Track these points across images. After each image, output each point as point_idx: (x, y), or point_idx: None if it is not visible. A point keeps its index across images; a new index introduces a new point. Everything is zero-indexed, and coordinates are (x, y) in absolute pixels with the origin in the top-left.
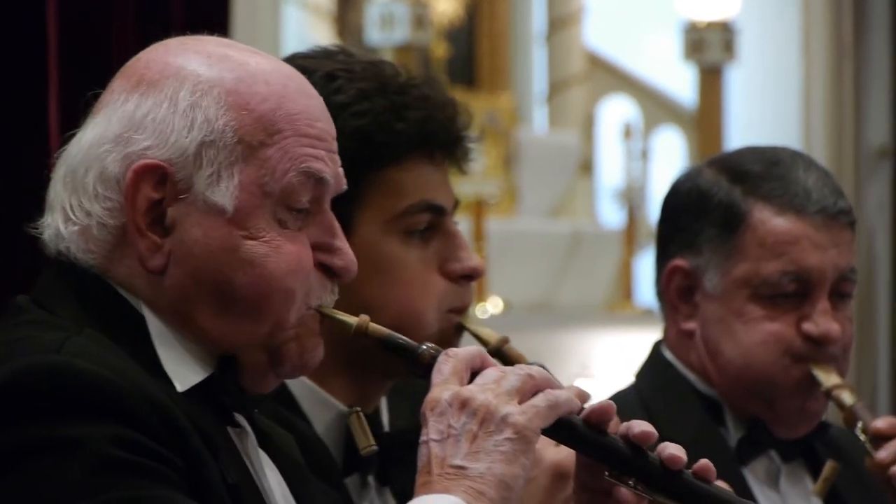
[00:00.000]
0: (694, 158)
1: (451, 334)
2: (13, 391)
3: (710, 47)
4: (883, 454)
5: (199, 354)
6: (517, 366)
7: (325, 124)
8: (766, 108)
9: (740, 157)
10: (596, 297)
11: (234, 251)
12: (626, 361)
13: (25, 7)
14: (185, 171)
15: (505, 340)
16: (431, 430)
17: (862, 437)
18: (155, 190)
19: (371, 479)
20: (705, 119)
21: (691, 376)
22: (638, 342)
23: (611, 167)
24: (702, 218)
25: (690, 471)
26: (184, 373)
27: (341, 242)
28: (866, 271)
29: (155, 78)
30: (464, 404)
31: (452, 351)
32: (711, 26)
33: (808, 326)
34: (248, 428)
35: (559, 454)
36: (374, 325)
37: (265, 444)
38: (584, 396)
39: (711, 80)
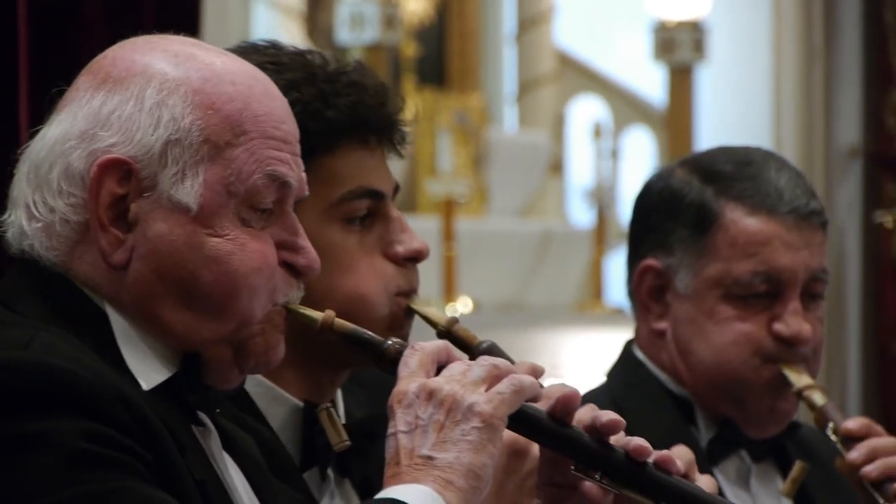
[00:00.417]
0: (664, 158)
1: (401, 318)
2: None
3: (680, 47)
4: (854, 454)
5: (162, 353)
6: (481, 357)
7: (290, 126)
8: (736, 108)
9: (712, 157)
10: (566, 296)
11: (199, 248)
12: (596, 361)
13: None
14: (150, 169)
15: (454, 321)
16: (399, 422)
17: (833, 438)
18: (119, 185)
19: (330, 471)
20: (675, 119)
21: (662, 376)
22: (608, 342)
23: (581, 167)
24: (674, 218)
25: (652, 461)
26: (148, 372)
27: (304, 241)
28: (836, 271)
29: (121, 75)
30: (430, 395)
31: (419, 345)
32: (681, 26)
33: (779, 327)
34: (212, 427)
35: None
36: (339, 321)
37: (227, 443)
38: (538, 371)
39: (681, 79)
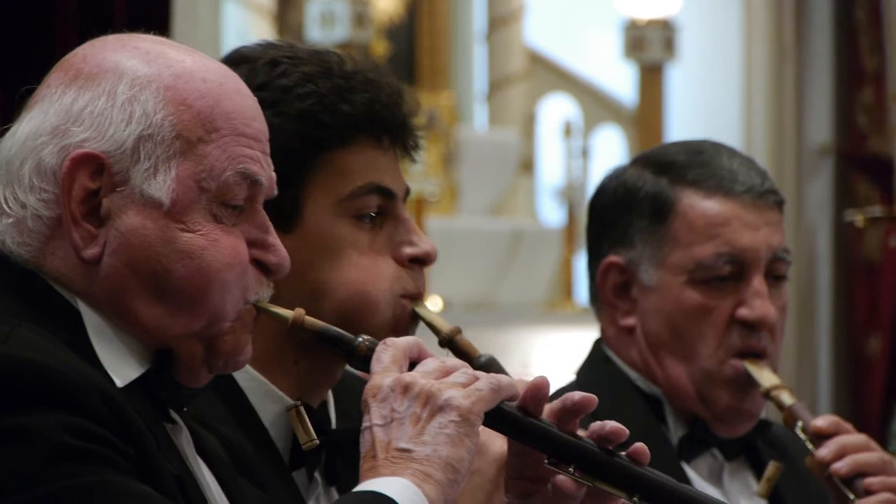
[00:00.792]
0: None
1: (405, 321)
2: None
3: (650, 45)
4: (824, 452)
5: (135, 349)
6: (460, 371)
7: (260, 124)
8: (706, 107)
9: (663, 150)
10: (536, 295)
11: (172, 243)
12: (566, 359)
13: None
14: (123, 164)
15: (457, 331)
16: (374, 416)
17: (802, 436)
18: (91, 180)
19: (318, 475)
20: (645, 117)
21: (632, 373)
22: (578, 340)
23: (551, 165)
24: (630, 211)
25: (625, 454)
26: (121, 368)
27: (274, 239)
28: (808, 270)
29: (93, 72)
30: (406, 389)
31: (390, 340)
32: (652, 24)
33: (743, 312)
34: (182, 424)
35: (505, 446)
36: (309, 319)
37: (195, 441)
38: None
39: (652, 78)
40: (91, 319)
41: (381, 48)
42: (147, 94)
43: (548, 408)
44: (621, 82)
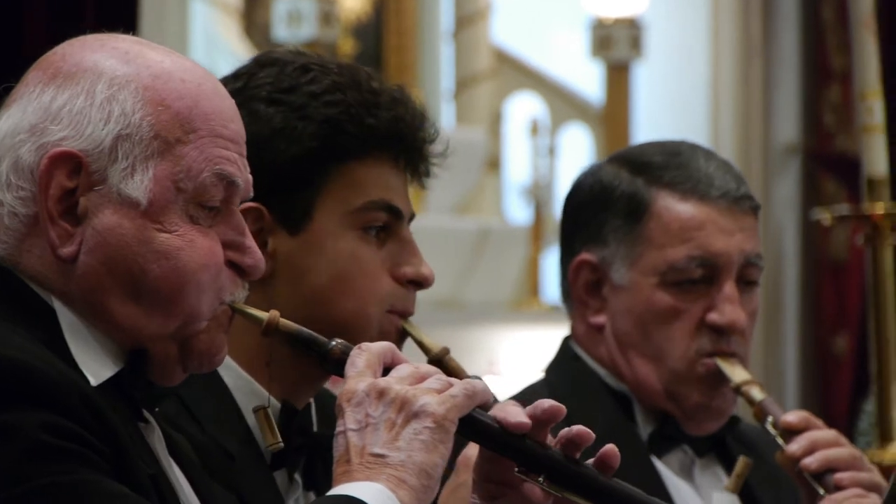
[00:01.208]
0: (601, 155)
1: (393, 337)
2: None
3: (617, 44)
4: (794, 447)
5: (110, 348)
6: (429, 364)
7: (237, 126)
8: (673, 105)
9: (640, 150)
10: (503, 293)
11: (148, 243)
12: (533, 358)
13: None
14: (100, 163)
15: (446, 351)
16: (349, 420)
17: (772, 432)
18: (69, 178)
19: (298, 477)
20: (612, 116)
21: (601, 371)
22: (545, 339)
23: (518, 164)
24: (605, 210)
25: (595, 460)
26: (96, 367)
27: (250, 242)
28: (774, 269)
29: (72, 71)
30: (381, 394)
31: (365, 345)
32: (619, 23)
33: (713, 316)
34: (155, 424)
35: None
36: (284, 321)
37: (166, 442)
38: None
39: (618, 76)
40: (66, 318)
41: (347, 47)
42: (126, 94)
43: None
44: (588, 81)
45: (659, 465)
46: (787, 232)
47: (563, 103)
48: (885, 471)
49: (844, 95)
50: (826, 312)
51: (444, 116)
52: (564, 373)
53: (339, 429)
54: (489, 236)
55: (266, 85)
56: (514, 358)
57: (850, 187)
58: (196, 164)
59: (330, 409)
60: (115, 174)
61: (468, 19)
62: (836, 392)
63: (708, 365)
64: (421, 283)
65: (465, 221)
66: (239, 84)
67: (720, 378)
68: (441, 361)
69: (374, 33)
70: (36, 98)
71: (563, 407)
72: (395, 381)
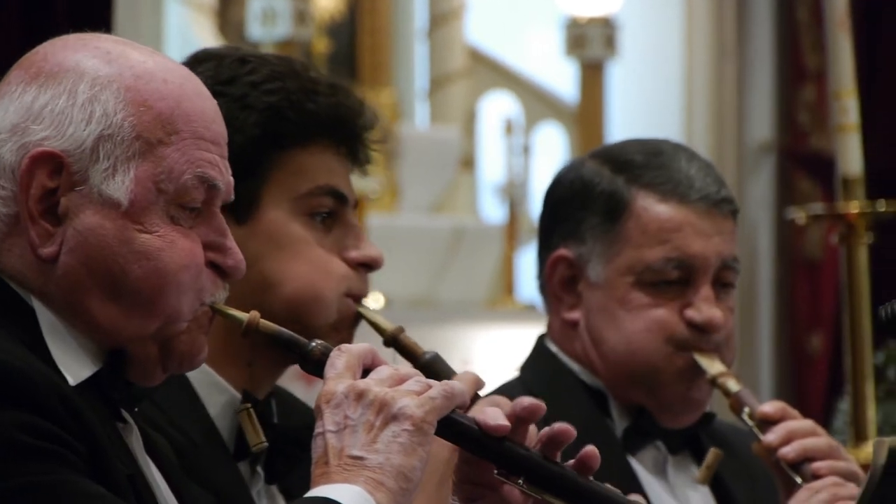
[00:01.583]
0: (575, 154)
1: (349, 320)
2: None
3: (591, 43)
4: (771, 437)
5: (89, 348)
6: (413, 379)
7: (219, 127)
8: (647, 104)
9: (622, 148)
10: (477, 292)
11: (129, 243)
12: (507, 357)
13: None
14: (82, 163)
15: (400, 330)
16: (328, 422)
17: (749, 423)
18: (50, 178)
19: (260, 469)
20: (586, 115)
21: (576, 367)
22: (519, 337)
23: (492, 163)
24: (585, 207)
25: (576, 461)
26: (75, 367)
27: (231, 243)
28: (749, 268)
29: (54, 71)
30: (360, 396)
31: (345, 346)
32: (593, 22)
33: (690, 313)
34: (133, 424)
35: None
36: (264, 322)
37: (145, 442)
38: (479, 384)
39: (593, 75)
40: (45, 318)
41: (322, 45)
42: (108, 94)
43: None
44: (562, 80)
45: (634, 463)
46: (761, 231)
47: (538, 102)
48: (861, 469)
49: (819, 94)
50: (801, 311)
51: (419, 115)
52: (539, 371)
53: (317, 430)
54: (464, 235)
55: (206, 79)
56: (488, 356)
57: (825, 186)
58: (178, 165)
59: (289, 403)
60: (97, 174)
61: (442, 18)
62: (810, 391)
63: (685, 358)
64: (370, 264)
65: (439, 220)
66: None
67: (696, 370)
68: (396, 340)
69: (348, 32)
70: (18, 97)
71: (543, 404)
72: (374, 384)
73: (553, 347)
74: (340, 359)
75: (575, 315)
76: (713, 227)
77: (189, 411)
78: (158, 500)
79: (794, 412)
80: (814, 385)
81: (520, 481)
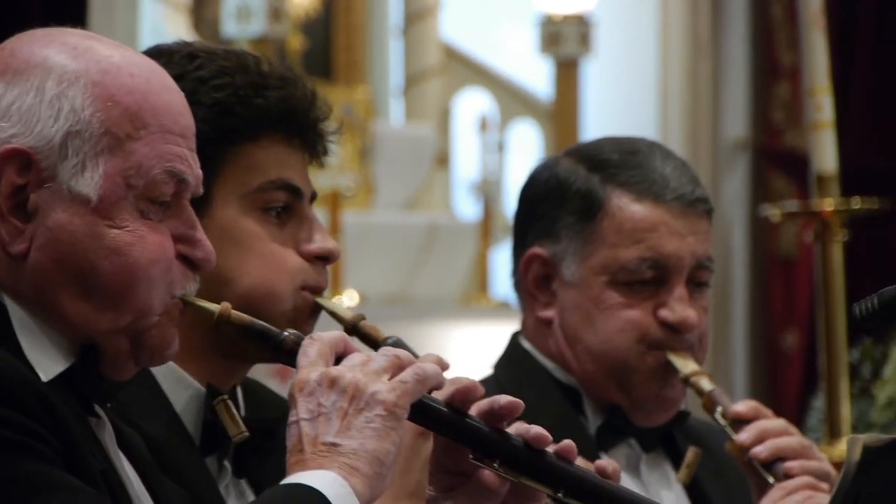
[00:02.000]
0: (550, 151)
1: (306, 313)
2: None
3: (566, 41)
4: (744, 436)
5: (60, 344)
6: (382, 349)
7: (187, 120)
8: (622, 102)
9: (598, 146)
10: (452, 289)
11: (99, 239)
12: (481, 354)
13: None
14: (51, 160)
15: (361, 317)
16: (301, 410)
17: (722, 422)
18: (19, 175)
19: (227, 463)
20: (561, 112)
21: (550, 365)
22: (494, 335)
23: (467, 160)
24: (560, 205)
25: (553, 451)
26: (46, 362)
27: (201, 235)
28: (723, 265)
29: (21, 67)
30: (333, 383)
31: (317, 335)
32: (568, 20)
33: (664, 313)
34: (106, 419)
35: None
36: (235, 313)
37: (118, 437)
38: (443, 365)
39: (567, 73)
40: (16, 314)
41: (296, 43)
42: (75, 90)
43: (475, 407)
44: (537, 77)
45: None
46: (735, 228)
47: (512, 99)
48: (834, 466)
49: (793, 92)
50: (775, 309)
51: (394, 112)
52: (513, 369)
53: (291, 419)
54: (438, 232)
55: None
56: (462, 353)
57: (799, 184)
58: (146, 160)
59: (260, 395)
60: (66, 171)
61: (417, 15)
62: (785, 388)
63: (657, 357)
64: (327, 256)
65: (414, 217)
66: None
67: (669, 369)
68: (356, 328)
69: (322, 29)
70: None
71: (521, 402)
72: (346, 370)
73: (527, 345)
74: (313, 347)
75: (549, 313)
76: (688, 226)
77: (154, 407)
78: (131, 496)
79: (767, 411)
80: (788, 383)
81: (495, 465)
